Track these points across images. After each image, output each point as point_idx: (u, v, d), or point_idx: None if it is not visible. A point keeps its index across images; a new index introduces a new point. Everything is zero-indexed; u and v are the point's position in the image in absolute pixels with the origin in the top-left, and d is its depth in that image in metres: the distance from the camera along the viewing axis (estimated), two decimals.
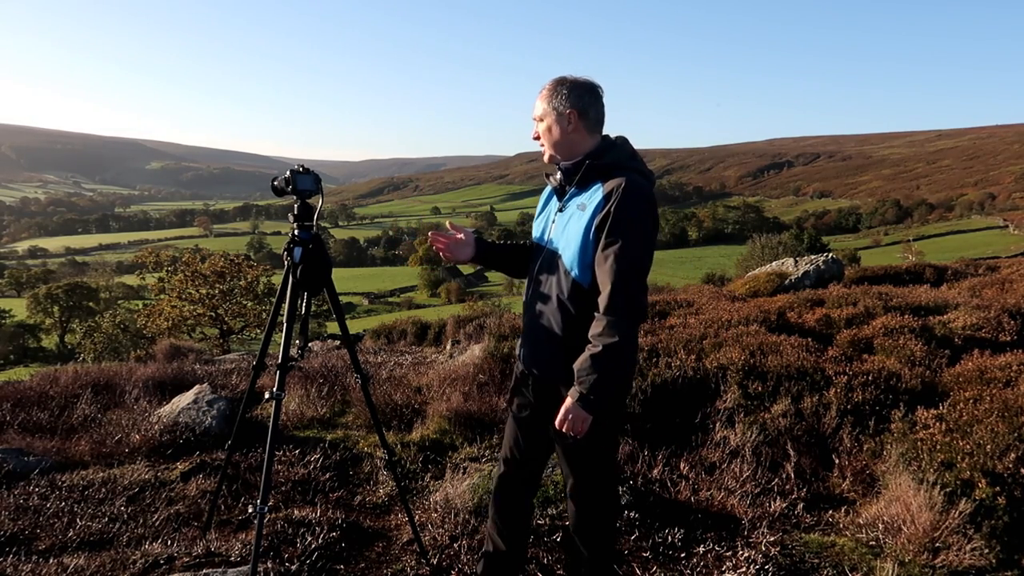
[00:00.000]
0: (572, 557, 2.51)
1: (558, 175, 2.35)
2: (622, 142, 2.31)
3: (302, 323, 2.92)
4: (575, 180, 2.27)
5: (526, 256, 2.53)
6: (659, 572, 2.92)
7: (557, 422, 2.15)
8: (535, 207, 2.57)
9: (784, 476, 3.67)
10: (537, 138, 2.34)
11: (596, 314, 2.12)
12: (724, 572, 2.88)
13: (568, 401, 2.12)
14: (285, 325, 2.79)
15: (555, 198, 2.40)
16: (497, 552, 2.56)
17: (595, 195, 2.20)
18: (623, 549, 3.07)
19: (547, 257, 2.33)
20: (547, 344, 2.30)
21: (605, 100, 2.29)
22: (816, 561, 2.93)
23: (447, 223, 2.55)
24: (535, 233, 2.47)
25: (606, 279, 2.10)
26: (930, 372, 4.52)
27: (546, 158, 2.35)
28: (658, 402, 4.30)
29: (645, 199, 2.15)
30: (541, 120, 2.30)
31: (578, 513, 2.42)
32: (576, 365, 2.12)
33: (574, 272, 2.21)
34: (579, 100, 2.23)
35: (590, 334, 2.12)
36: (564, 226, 2.28)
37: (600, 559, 2.44)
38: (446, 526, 3.24)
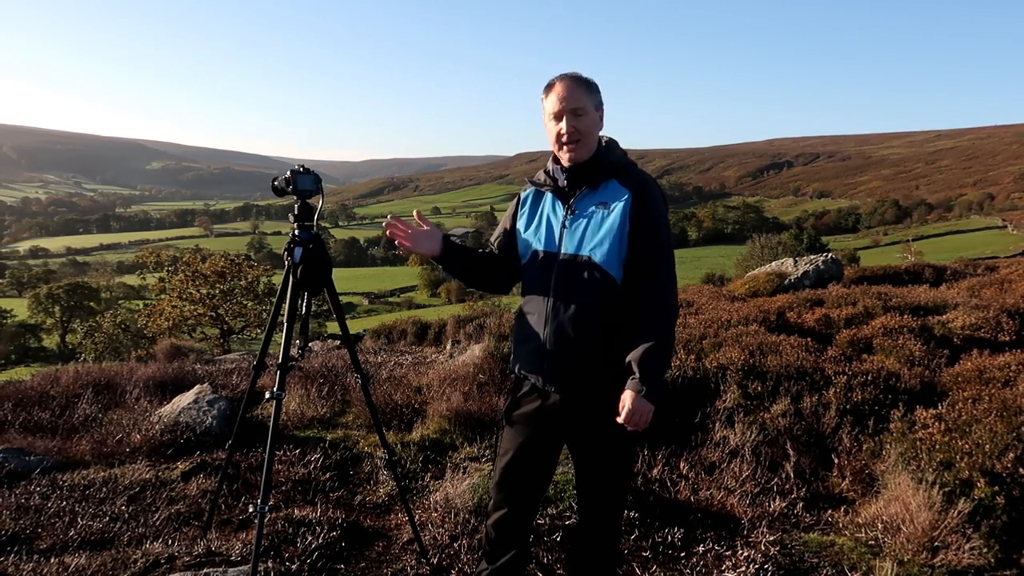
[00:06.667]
0: (577, 558, 2.46)
1: (556, 178, 2.29)
2: (614, 142, 2.33)
3: (302, 323, 2.92)
4: (588, 180, 2.24)
5: (494, 265, 2.44)
6: (659, 571, 2.92)
7: (623, 419, 2.10)
8: None
9: (784, 476, 3.68)
10: (574, 133, 2.19)
11: (643, 309, 2.15)
12: (724, 571, 2.89)
13: (631, 395, 2.09)
14: (285, 325, 2.80)
15: (552, 202, 2.33)
16: (503, 567, 2.47)
17: (618, 193, 2.20)
18: (623, 549, 3.08)
19: (567, 264, 2.23)
20: (583, 352, 2.21)
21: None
22: (815, 560, 2.94)
23: (414, 213, 2.38)
24: (540, 244, 2.31)
25: (652, 277, 2.16)
26: (929, 372, 4.53)
27: (574, 157, 2.23)
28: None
29: (663, 194, 2.26)
30: (582, 114, 2.19)
31: (597, 518, 2.37)
32: (635, 359, 2.12)
33: (612, 271, 2.18)
34: (601, 99, 2.27)
35: (643, 327, 2.14)
36: (584, 228, 2.22)
37: (611, 561, 2.45)
38: (446, 526, 3.25)
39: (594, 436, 2.27)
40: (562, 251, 2.26)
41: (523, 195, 2.44)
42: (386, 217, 2.43)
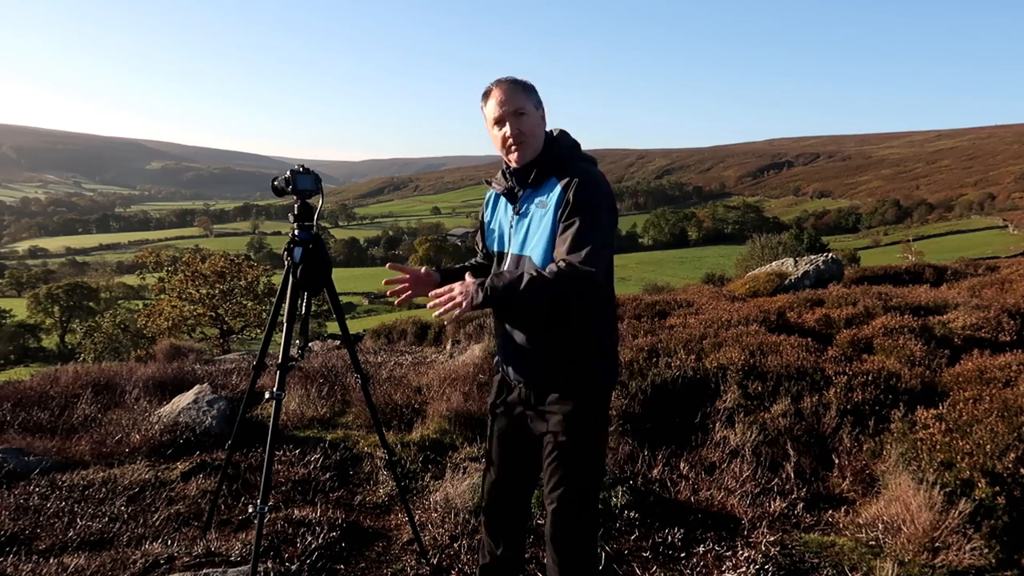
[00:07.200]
0: (549, 559, 2.34)
1: (506, 179, 2.29)
2: (563, 135, 2.30)
3: (302, 323, 2.92)
4: (529, 180, 2.23)
5: (487, 273, 2.43)
6: (659, 572, 2.92)
7: (437, 291, 2.05)
8: None
9: (784, 476, 3.68)
10: (518, 135, 2.19)
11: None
12: (724, 572, 2.88)
13: (469, 280, 2.04)
14: (285, 325, 2.80)
15: (504, 203, 2.35)
16: (493, 562, 2.51)
17: (554, 190, 2.17)
18: (623, 549, 3.08)
19: (513, 264, 2.26)
20: (530, 351, 2.25)
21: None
22: (816, 561, 2.93)
23: (387, 266, 2.39)
24: (492, 245, 2.40)
25: (562, 249, 2.07)
26: (930, 372, 4.53)
27: (521, 158, 2.22)
28: (658, 402, 4.30)
29: (600, 183, 2.18)
30: (521, 115, 2.18)
31: (559, 521, 2.25)
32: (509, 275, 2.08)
33: None
34: (540, 99, 2.25)
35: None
36: (526, 228, 2.23)
37: (574, 570, 2.28)
38: (446, 526, 3.25)
39: (555, 429, 2.24)
40: (510, 252, 2.30)
41: (487, 196, 2.48)
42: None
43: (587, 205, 2.10)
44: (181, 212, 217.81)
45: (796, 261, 11.14)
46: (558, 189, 2.16)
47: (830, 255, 11.33)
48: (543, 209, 2.19)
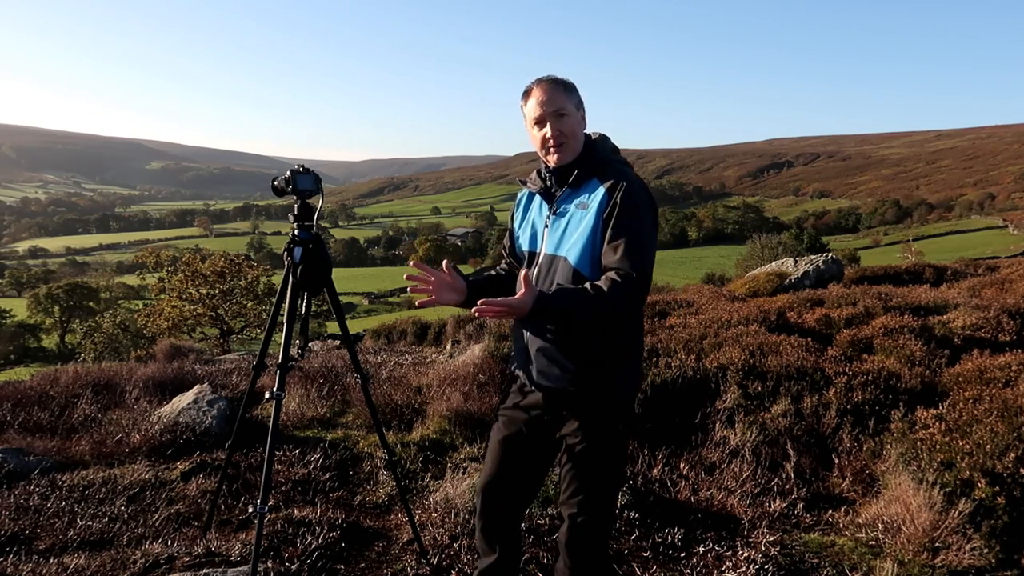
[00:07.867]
0: (560, 562, 2.36)
1: (545, 178, 2.28)
2: (603, 139, 2.29)
3: (302, 323, 2.92)
4: (570, 180, 2.21)
5: (511, 285, 2.42)
6: (659, 572, 2.92)
7: (493, 300, 1.93)
8: None
9: (784, 476, 3.68)
10: (559, 136, 2.16)
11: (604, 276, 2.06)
12: (724, 572, 2.88)
13: (524, 294, 1.93)
14: (285, 325, 2.80)
15: (539, 202, 2.33)
16: (491, 565, 2.46)
17: (596, 192, 2.15)
18: (623, 549, 3.08)
19: (546, 264, 2.23)
20: (559, 355, 2.19)
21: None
22: (816, 561, 2.93)
23: (443, 263, 2.20)
24: (523, 245, 2.36)
25: (615, 257, 2.05)
26: (930, 372, 4.53)
27: (561, 159, 2.20)
28: (658, 402, 4.30)
29: (646, 191, 2.17)
30: (562, 116, 2.15)
31: (576, 528, 2.26)
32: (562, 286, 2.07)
33: (585, 271, 2.14)
34: (581, 99, 2.23)
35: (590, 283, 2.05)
36: (563, 228, 2.20)
37: (594, 567, 2.31)
38: (446, 526, 3.25)
39: (575, 436, 2.22)
40: (543, 252, 2.26)
41: (519, 196, 2.45)
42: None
43: (637, 213, 2.09)
44: (181, 212, 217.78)
45: (796, 261, 11.13)
46: (601, 191, 2.14)
47: (830, 255, 11.33)
48: (583, 210, 2.16)
